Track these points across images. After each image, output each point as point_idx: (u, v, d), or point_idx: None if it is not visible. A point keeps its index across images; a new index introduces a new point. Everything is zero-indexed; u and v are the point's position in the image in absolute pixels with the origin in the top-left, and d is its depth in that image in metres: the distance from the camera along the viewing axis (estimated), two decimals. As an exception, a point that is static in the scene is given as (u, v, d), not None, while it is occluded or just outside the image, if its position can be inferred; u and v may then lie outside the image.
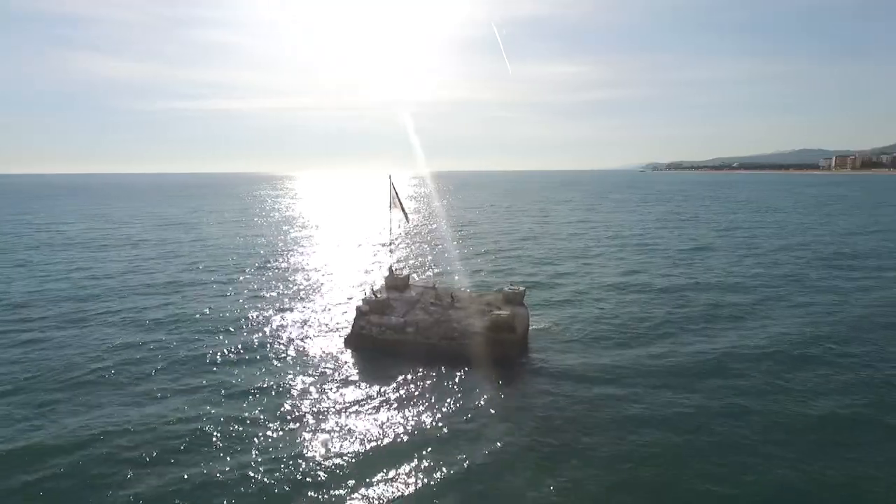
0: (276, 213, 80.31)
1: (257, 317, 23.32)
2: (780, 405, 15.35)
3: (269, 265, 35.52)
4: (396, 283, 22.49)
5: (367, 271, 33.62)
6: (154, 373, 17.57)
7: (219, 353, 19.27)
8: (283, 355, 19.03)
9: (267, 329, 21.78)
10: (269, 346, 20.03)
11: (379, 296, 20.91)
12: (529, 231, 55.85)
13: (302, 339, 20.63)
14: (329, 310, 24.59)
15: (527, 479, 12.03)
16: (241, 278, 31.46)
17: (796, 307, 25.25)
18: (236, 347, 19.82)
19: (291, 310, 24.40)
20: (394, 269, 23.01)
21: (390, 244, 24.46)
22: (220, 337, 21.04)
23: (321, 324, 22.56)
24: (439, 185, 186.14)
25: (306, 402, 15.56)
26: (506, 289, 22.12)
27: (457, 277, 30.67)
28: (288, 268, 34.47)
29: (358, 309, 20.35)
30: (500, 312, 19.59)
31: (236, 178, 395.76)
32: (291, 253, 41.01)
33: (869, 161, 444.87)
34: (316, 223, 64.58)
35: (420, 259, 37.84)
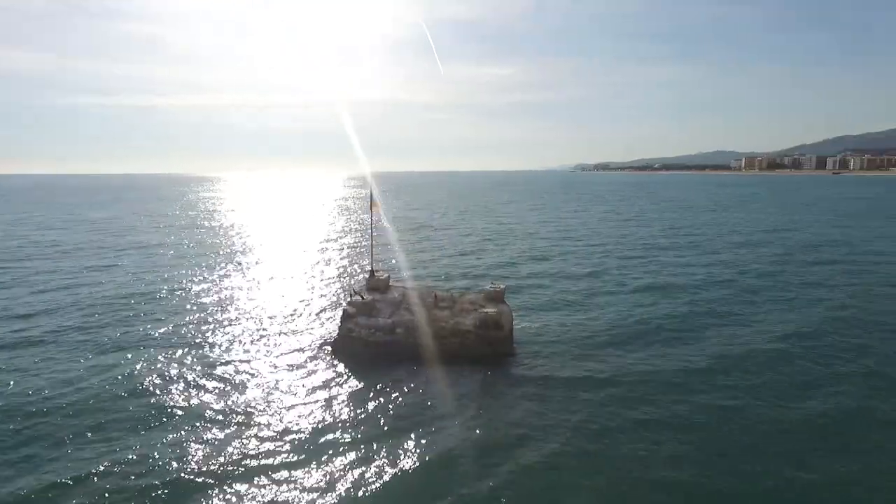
0: (223, 217, 76.84)
1: (236, 326, 22.42)
2: (760, 399, 16.59)
3: (233, 272, 34.02)
4: (378, 284, 22.32)
5: (341, 275, 33.09)
6: (128, 395, 16.40)
7: (202, 365, 18.44)
8: (271, 364, 18.47)
9: (248, 338, 21.04)
10: (254, 355, 19.36)
11: (365, 298, 20.69)
12: (485, 232, 56.58)
13: (288, 346, 20.12)
14: (310, 314, 24.09)
15: (547, 472, 12.42)
16: (206, 287, 30.02)
17: (760, 303, 27.26)
18: (219, 359, 19.03)
19: (273, 317, 23.68)
20: (374, 270, 22.81)
21: (372, 245, 24.03)
22: (201, 349, 20.10)
23: (305, 329, 22.09)
24: (381, 187, 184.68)
25: (302, 410, 15.20)
26: (487, 287, 22.48)
27: (428, 279, 30.75)
28: (257, 275, 33.14)
29: (345, 312, 20.07)
30: (488, 310, 19.94)
31: (154, 180, 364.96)
32: (255, 259, 39.24)
33: (773, 162, 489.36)
34: (271, 226, 62.26)
35: (389, 262, 37.60)
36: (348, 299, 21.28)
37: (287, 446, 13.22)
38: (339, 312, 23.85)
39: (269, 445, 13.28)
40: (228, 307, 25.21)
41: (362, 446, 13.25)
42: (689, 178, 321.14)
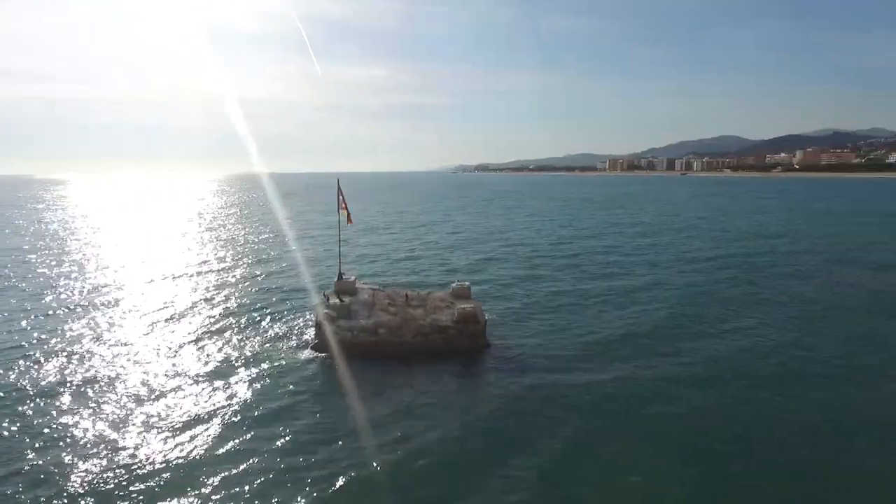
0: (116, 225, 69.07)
1: (202, 342, 21.10)
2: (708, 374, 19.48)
3: (179, 288, 31.30)
4: (347, 287, 22.42)
5: (295, 277, 32.10)
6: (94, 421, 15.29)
7: (179, 385, 17.43)
8: (253, 373, 17.89)
9: (218, 351, 20.04)
10: (231, 367, 18.63)
11: (343, 300, 20.76)
12: (414, 235, 56.91)
13: (267, 356, 19.51)
14: (280, 323, 23.34)
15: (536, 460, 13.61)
16: (155, 298, 27.61)
17: (671, 288, 31.13)
18: (199, 374, 18.08)
19: (238, 327, 22.63)
20: (342, 274, 22.85)
21: (340, 248, 23.86)
22: (172, 365, 18.88)
23: (280, 336, 21.55)
24: (263, 189, 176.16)
25: (296, 416, 15.07)
26: (453, 286, 23.52)
27: (377, 280, 30.99)
28: (210, 283, 31.00)
29: (325, 315, 20.00)
30: (465, 306, 21.03)
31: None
32: (201, 268, 36.28)
33: (632, 164, 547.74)
34: (203, 233, 57.36)
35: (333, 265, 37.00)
36: (325, 303, 21.14)
37: (279, 451, 13.13)
38: (306, 317, 23.65)
39: (262, 451, 13.19)
40: (190, 323, 23.53)
41: (364, 445, 13.45)
42: (569, 179, 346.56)
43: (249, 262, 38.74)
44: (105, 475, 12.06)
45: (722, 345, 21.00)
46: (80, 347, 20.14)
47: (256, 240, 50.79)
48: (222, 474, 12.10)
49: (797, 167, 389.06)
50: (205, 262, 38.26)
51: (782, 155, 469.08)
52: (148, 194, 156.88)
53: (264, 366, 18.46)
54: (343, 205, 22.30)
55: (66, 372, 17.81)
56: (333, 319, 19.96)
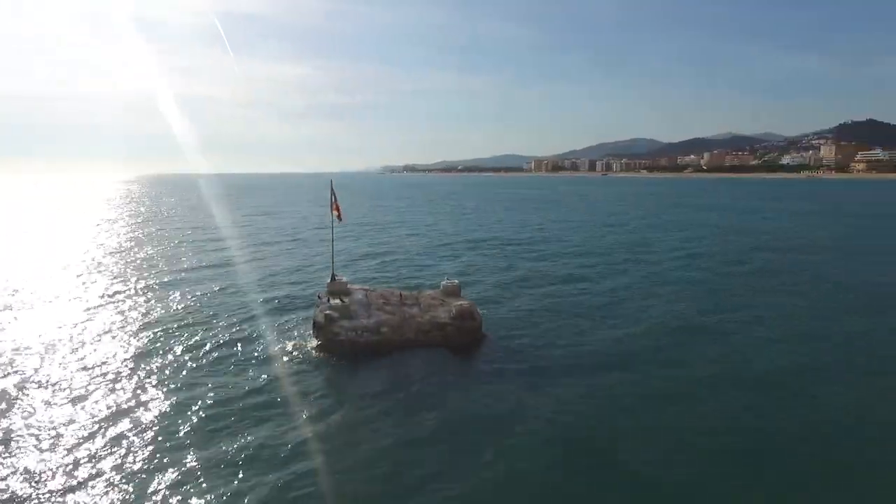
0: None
1: (204, 347, 20.36)
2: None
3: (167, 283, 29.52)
4: (340, 288, 22.39)
5: (284, 281, 31.09)
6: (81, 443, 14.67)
7: (188, 389, 16.88)
8: (259, 380, 17.44)
9: (220, 357, 19.43)
10: (236, 372, 18.23)
11: (344, 300, 20.80)
12: (381, 233, 56.53)
13: (268, 360, 19.13)
14: (272, 325, 22.75)
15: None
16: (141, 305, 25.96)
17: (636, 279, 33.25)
18: (200, 381, 17.56)
19: (234, 331, 21.94)
20: (335, 275, 22.81)
21: (333, 249, 23.69)
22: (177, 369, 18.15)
23: (277, 340, 21.02)
24: (193, 190, 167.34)
25: (310, 417, 15.11)
26: (443, 284, 24.08)
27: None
28: (197, 288, 29.42)
29: (327, 316, 19.95)
30: (462, 303, 21.70)
31: None
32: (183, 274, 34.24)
33: (556, 165, 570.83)
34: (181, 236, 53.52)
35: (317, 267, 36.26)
36: (323, 304, 21.07)
37: (311, 453, 13.15)
38: (298, 320, 23.38)
39: (279, 451, 13.27)
40: (182, 329, 22.51)
41: (387, 439, 13.70)
42: (498, 180, 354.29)
43: (215, 269, 37.26)
44: (109, 482, 11.72)
45: (705, 335, 22.86)
46: (79, 349, 18.88)
47: (222, 246, 48.67)
48: (246, 480, 11.98)
49: (705, 168, 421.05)
50: (160, 271, 36.37)
51: (691, 156, 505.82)
52: (46, 197, 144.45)
53: (269, 371, 18.07)
54: (335, 205, 22.28)
55: (69, 373, 16.73)
56: (335, 320, 19.99)
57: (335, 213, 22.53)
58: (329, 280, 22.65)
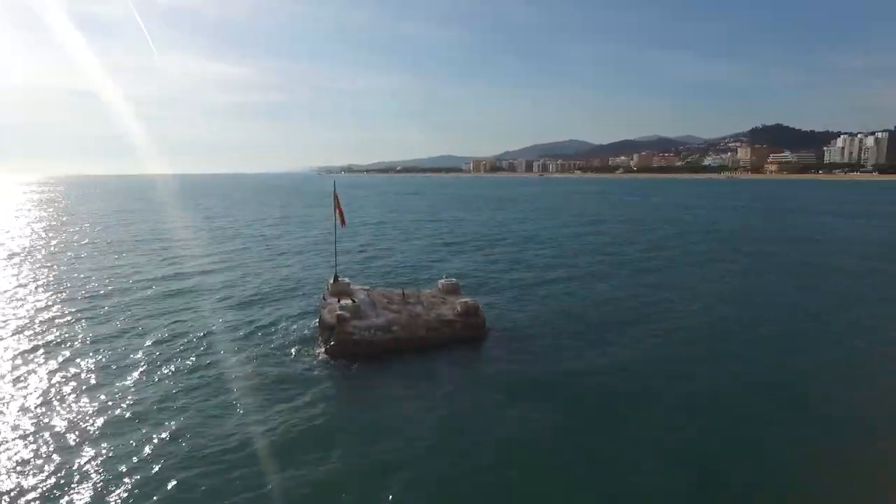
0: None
1: (215, 350, 19.72)
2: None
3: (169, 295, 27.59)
4: (343, 288, 22.37)
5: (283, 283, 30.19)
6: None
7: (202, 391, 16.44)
8: (277, 385, 17.13)
9: (235, 360, 18.95)
10: (252, 373, 17.88)
11: (355, 300, 20.80)
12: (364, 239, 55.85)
13: (281, 364, 18.84)
14: (275, 327, 22.30)
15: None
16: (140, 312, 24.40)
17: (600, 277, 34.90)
18: (223, 385, 17.13)
19: (240, 338, 21.24)
20: (337, 275, 22.71)
21: (335, 250, 23.29)
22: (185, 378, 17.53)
23: (286, 343, 20.61)
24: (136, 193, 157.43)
25: (335, 416, 15.30)
26: (442, 282, 24.52)
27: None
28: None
29: (339, 317, 19.92)
30: (466, 300, 22.22)
31: None
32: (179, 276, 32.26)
33: (494, 166, 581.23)
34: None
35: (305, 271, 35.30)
36: (334, 304, 20.95)
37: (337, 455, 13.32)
38: (302, 322, 23.04)
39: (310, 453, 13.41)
40: (189, 334, 21.58)
41: (414, 433, 14.03)
42: (442, 180, 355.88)
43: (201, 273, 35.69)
44: (129, 486, 11.54)
45: (697, 320, 24.48)
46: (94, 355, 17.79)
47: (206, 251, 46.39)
48: (277, 481, 11.99)
49: (635, 168, 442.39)
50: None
51: (622, 158, 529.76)
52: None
53: (285, 375, 17.81)
54: (339, 208, 22.21)
55: (107, 374, 15.84)
56: (347, 320, 19.98)
57: (338, 216, 22.43)
58: (332, 280, 22.55)
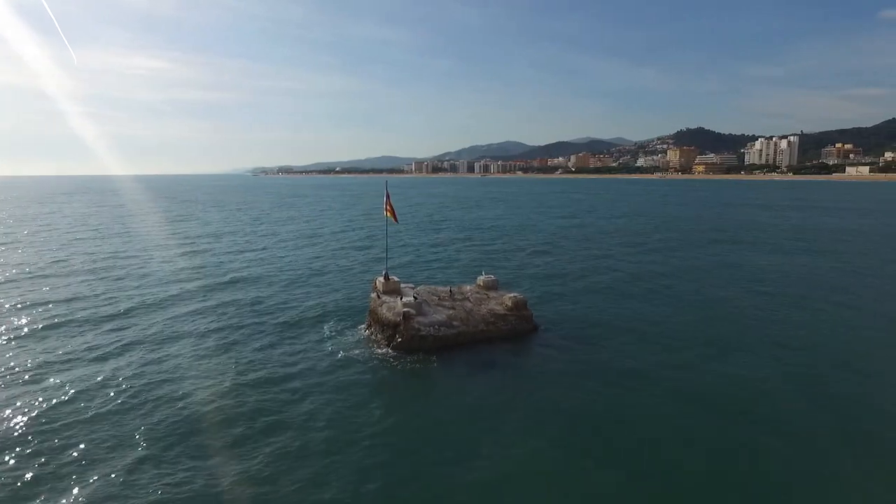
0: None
1: (269, 353, 19.28)
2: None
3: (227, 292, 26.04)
4: (394, 287, 22.52)
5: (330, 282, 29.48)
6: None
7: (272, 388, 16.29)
8: (351, 379, 17.33)
9: (292, 363, 18.72)
10: (322, 377, 17.81)
11: (416, 297, 21.00)
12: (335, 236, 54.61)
13: (353, 357, 18.89)
14: (330, 324, 22.32)
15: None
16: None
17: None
18: (307, 377, 16.98)
19: (299, 334, 21.32)
20: (388, 274, 22.80)
21: (387, 249, 23.09)
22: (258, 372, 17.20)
23: (351, 341, 20.66)
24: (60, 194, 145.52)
25: (425, 410, 15.78)
26: (480, 279, 25.06)
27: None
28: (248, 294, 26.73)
29: (405, 314, 20.13)
30: (515, 295, 22.93)
31: None
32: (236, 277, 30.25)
33: (436, 167, 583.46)
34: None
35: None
36: (385, 303, 21.07)
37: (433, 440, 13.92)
38: (353, 319, 22.94)
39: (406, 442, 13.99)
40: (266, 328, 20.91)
41: (500, 420, 14.94)
42: (383, 180, 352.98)
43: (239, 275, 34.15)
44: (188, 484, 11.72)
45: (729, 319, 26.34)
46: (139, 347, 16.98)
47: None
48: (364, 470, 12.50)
49: (573, 169, 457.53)
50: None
51: (560, 159, 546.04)
52: None
53: (358, 370, 17.96)
54: (389, 206, 22.29)
55: (124, 375, 15.25)
56: (413, 317, 20.22)
57: (388, 213, 22.51)
58: (383, 279, 22.62)
